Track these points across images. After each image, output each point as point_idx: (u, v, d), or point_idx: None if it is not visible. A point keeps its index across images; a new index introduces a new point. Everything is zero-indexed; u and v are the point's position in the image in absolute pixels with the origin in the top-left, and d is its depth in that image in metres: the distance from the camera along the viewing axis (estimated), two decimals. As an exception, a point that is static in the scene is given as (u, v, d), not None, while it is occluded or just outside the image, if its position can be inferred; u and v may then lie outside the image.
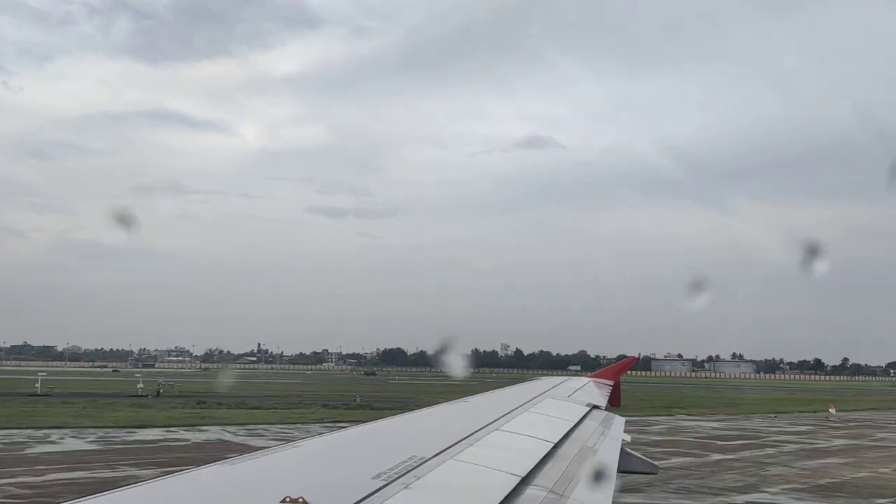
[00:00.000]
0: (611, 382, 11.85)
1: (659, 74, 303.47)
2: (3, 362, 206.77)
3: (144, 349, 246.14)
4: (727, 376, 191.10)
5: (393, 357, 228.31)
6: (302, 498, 2.67)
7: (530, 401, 7.52)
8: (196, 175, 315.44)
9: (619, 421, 7.86)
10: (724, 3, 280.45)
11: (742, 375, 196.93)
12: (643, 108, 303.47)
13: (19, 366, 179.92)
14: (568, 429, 6.00)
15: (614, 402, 10.58)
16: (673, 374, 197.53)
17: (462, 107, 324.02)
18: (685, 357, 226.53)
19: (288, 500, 2.66)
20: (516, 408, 6.60)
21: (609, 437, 6.46)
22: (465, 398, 7.56)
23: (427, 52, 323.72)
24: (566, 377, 12.39)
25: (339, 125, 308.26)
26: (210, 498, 2.98)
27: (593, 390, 10.55)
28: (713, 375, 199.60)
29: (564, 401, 8.45)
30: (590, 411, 7.77)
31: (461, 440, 4.42)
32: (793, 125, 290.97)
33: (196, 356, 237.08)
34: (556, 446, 5.07)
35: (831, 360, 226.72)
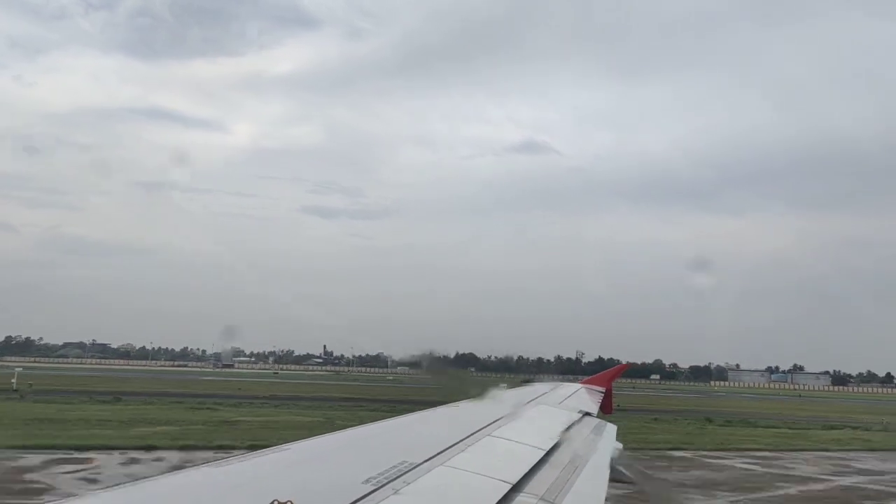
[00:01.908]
0: (602, 389, 11.82)
1: (652, 82, 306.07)
2: (86, 361, 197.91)
3: (186, 348, 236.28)
4: (810, 388, 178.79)
5: (466, 362, 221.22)
6: (291, 501, 2.65)
7: (522, 407, 7.50)
8: (188, 173, 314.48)
9: (610, 428, 7.84)
10: (716, 12, 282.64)
11: (824, 388, 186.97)
12: (636, 115, 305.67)
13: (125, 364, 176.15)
14: (559, 436, 5.98)
15: (606, 410, 10.56)
16: (755, 386, 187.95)
17: (456, 110, 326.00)
18: (742, 367, 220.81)
19: (276, 502, 2.64)
20: (508, 414, 6.58)
21: (601, 445, 6.44)
22: (455, 403, 7.53)
23: (421, 55, 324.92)
24: (557, 383, 12.37)
25: (333, 125, 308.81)
26: (198, 500, 2.95)
27: (585, 397, 10.53)
28: (794, 387, 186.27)
29: (556, 407, 8.44)
30: (581, 418, 7.76)
31: (452, 446, 4.40)
32: (784, 134, 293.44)
33: (252, 355, 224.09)
34: (548, 453, 5.06)
35: (881, 371, 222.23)
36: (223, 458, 3.63)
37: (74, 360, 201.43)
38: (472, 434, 5.00)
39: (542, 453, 4.95)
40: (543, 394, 9.65)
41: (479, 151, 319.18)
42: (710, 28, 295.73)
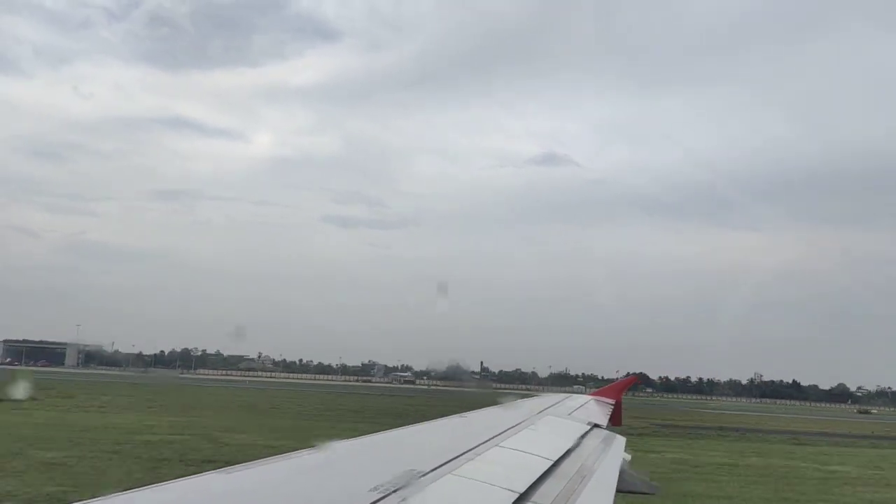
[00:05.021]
0: (612, 401, 11.77)
1: (672, 95, 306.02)
2: (275, 375, 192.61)
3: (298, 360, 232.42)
4: None
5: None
6: None
7: (530, 417, 7.48)
8: (209, 182, 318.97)
9: (619, 440, 7.80)
10: (737, 27, 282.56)
11: None
12: (657, 128, 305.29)
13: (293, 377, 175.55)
14: (568, 446, 5.95)
15: (615, 421, 10.50)
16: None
17: (475, 122, 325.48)
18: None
19: None
20: (516, 424, 6.56)
21: (609, 456, 6.40)
22: (464, 413, 7.51)
23: (441, 67, 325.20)
24: (567, 394, 12.33)
25: (353, 136, 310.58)
26: None
27: (594, 408, 10.49)
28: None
29: (565, 418, 8.40)
30: (590, 429, 7.72)
31: (460, 455, 4.39)
32: (804, 149, 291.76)
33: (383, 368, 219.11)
34: (556, 464, 5.03)
35: None
36: (232, 466, 3.62)
37: (275, 373, 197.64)
38: (480, 444, 4.99)
39: (550, 464, 4.93)
40: (553, 405, 9.61)
41: (499, 163, 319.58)
42: (731, 43, 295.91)
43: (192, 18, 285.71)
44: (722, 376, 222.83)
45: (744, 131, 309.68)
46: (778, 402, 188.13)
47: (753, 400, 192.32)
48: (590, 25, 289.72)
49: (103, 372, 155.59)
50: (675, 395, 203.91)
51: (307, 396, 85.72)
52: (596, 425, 8.30)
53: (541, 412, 8.31)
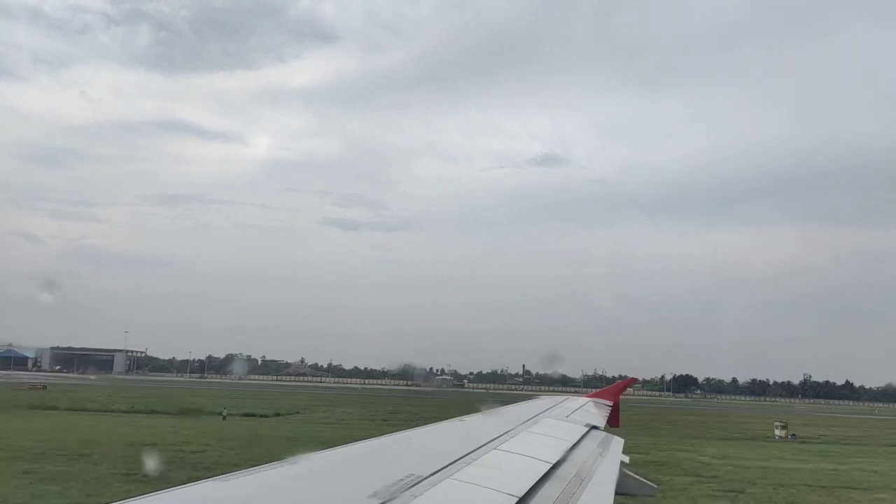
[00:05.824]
0: (610, 402, 11.78)
1: (671, 95, 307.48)
2: (325, 380, 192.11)
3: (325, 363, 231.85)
4: None
5: (685, 384, 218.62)
6: None
7: (528, 420, 7.47)
8: (209, 186, 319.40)
9: (617, 441, 7.80)
10: (735, 27, 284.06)
11: None
12: (656, 128, 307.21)
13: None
14: (566, 449, 5.95)
15: (613, 423, 10.51)
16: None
17: (475, 123, 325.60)
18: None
19: None
20: (514, 427, 6.55)
21: (607, 458, 6.40)
22: (461, 417, 7.50)
23: (441, 69, 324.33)
24: (565, 396, 12.32)
25: (352, 138, 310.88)
26: None
27: (592, 410, 10.49)
28: None
29: (563, 421, 8.39)
30: (588, 432, 7.72)
31: (458, 459, 4.38)
32: (801, 149, 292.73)
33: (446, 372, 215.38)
34: (554, 467, 5.03)
35: None
36: (229, 473, 3.60)
37: (325, 378, 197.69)
38: (479, 447, 4.98)
39: (549, 466, 4.92)
40: (551, 407, 9.61)
41: (498, 164, 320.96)
42: (729, 42, 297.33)
43: (190, 22, 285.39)
44: (757, 376, 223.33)
45: (742, 129, 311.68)
46: (831, 402, 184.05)
47: (808, 401, 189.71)
48: (589, 25, 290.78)
49: (164, 378, 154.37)
50: (729, 397, 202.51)
51: (422, 402, 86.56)
52: (594, 427, 8.30)
53: (539, 414, 8.30)
